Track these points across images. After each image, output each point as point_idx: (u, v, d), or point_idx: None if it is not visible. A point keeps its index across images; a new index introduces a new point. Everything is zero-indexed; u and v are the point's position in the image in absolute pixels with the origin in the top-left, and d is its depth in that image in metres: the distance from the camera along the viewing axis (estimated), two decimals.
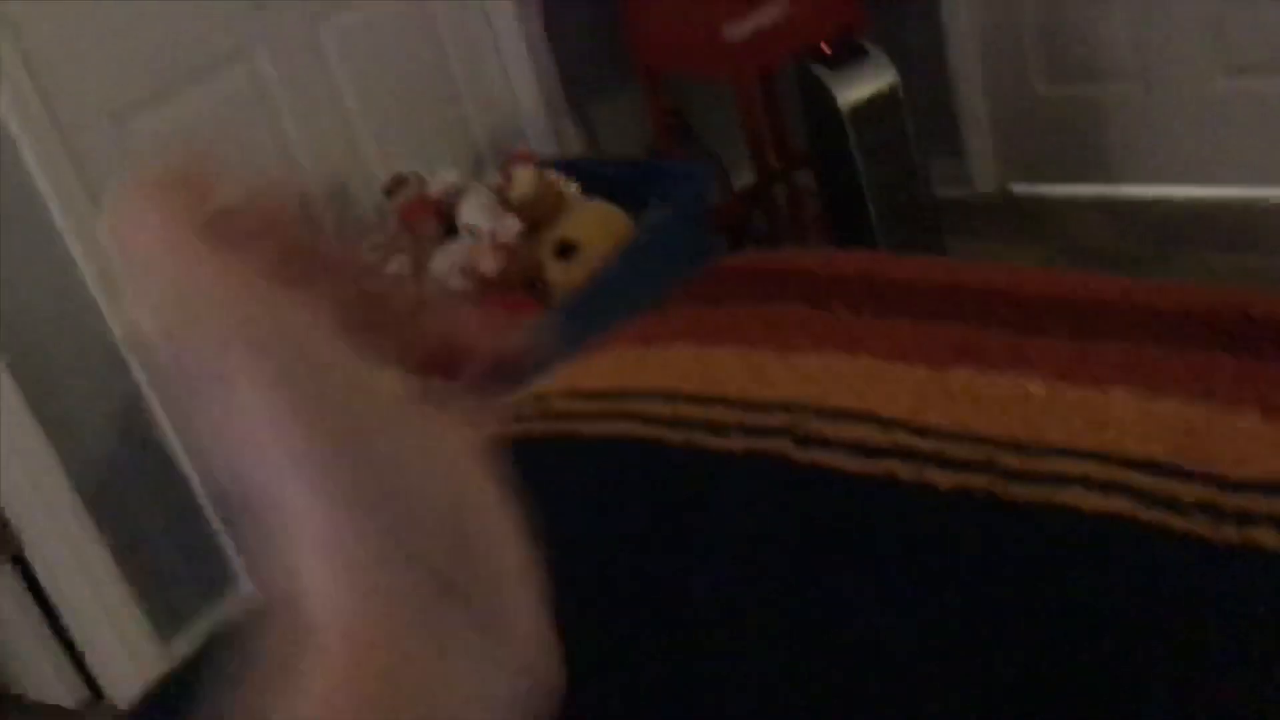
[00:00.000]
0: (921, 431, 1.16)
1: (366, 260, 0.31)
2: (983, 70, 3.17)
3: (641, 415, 1.32)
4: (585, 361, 1.50)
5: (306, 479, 0.27)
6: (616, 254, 2.56)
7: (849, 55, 2.74)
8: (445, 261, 2.55)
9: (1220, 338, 1.21)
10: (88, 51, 2.34)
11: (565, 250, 2.57)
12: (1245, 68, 2.85)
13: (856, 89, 2.71)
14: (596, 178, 2.75)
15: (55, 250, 2.28)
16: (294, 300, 0.28)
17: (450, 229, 2.63)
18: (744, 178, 3.12)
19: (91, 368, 2.35)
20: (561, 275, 2.55)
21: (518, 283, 2.52)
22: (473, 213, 2.60)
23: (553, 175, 2.69)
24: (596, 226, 2.61)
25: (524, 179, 2.64)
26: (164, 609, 2.46)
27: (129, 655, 2.40)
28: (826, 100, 2.73)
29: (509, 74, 3.03)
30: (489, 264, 2.49)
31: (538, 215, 2.61)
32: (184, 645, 2.42)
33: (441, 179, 2.71)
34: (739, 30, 2.76)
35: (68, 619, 2.42)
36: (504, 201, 2.63)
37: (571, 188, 2.71)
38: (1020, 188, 3.27)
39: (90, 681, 2.49)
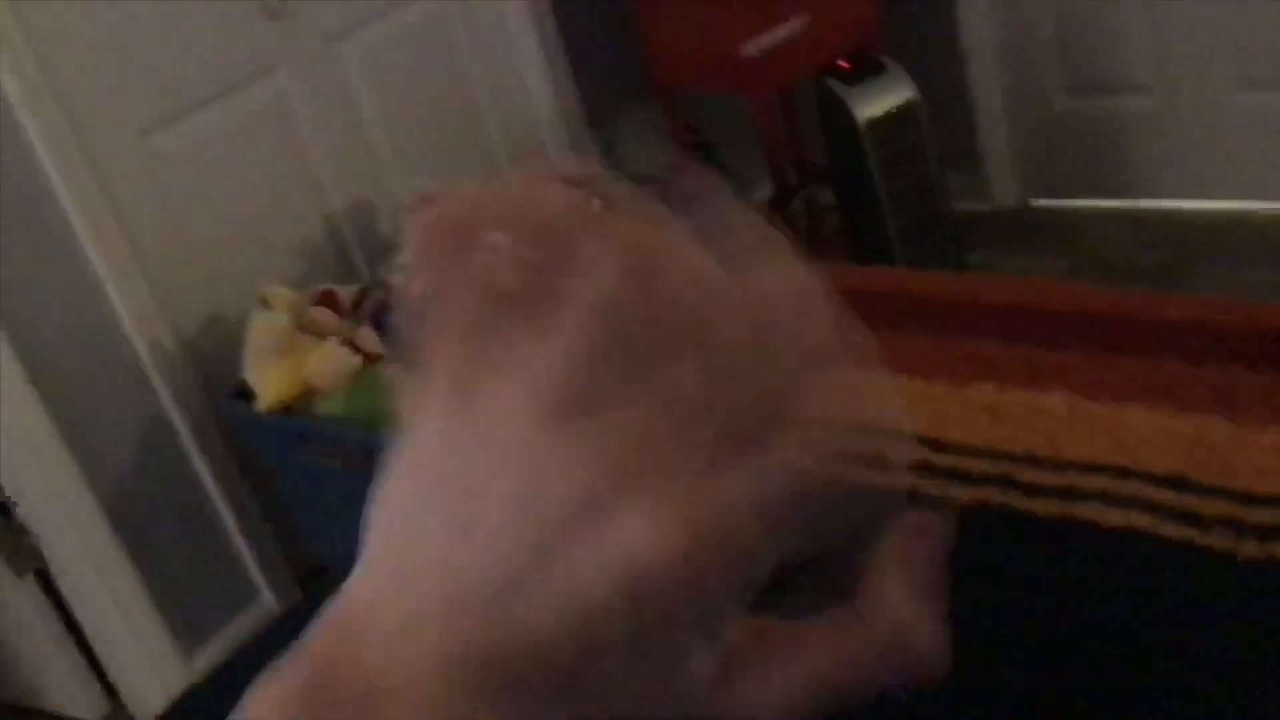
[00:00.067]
0: (940, 446, 1.16)
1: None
2: (1001, 84, 3.18)
3: None
4: None
5: None
6: None
7: (867, 71, 2.75)
8: None
9: (1240, 352, 1.20)
10: (113, 70, 2.36)
11: None
12: (1264, 81, 2.85)
13: (874, 104, 2.72)
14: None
15: (81, 267, 2.30)
16: None
17: None
18: (762, 193, 3.12)
19: (115, 383, 2.37)
20: None
21: None
22: None
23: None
24: None
25: None
26: (186, 623, 2.47)
27: (151, 669, 2.41)
28: (845, 116, 2.73)
29: (528, 91, 3.05)
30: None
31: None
32: (206, 659, 2.43)
33: None
34: (757, 47, 2.77)
35: (90, 632, 2.43)
36: None
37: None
38: (1039, 202, 3.27)
39: (112, 695, 2.51)
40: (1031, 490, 1.07)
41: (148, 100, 2.41)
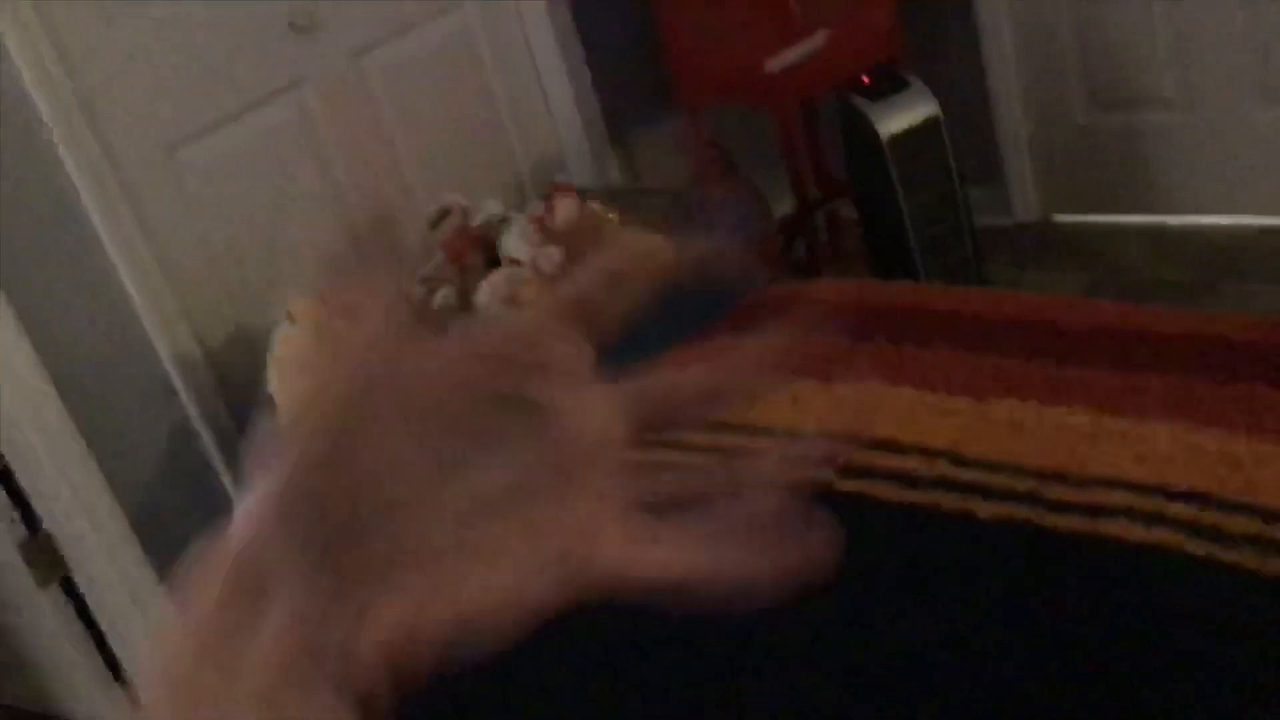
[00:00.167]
0: (964, 462, 1.16)
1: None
2: (1023, 99, 3.17)
3: (684, 446, 1.33)
4: None
5: None
6: (659, 284, 2.57)
7: (889, 86, 2.75)
8: (488, 292, 2.57)
9: (1264, 369, 1.20)
10: (141, 85, 2.38)
11: None
12: None
13: (897, 119, 2.72)
14: (638, 208, 2.77)
15: (107, 280, 2.32)
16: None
17: (493, 260, 2.66)
18: (784, 208, 3.13)
19: (141, 394, 2.39)
20: None
21: None
22: (514, 243, 2.62)
23: (594, 205, 2.72)
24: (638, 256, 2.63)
25: (566, 208, 2.66)
26: None
27: None
28: (867, 131, 2.74)
29: (551, 105, 3.07)
30: (531, 294, 2.51)
31: (579, 245, 2.63)
32: None
33: (485, 210, 2.74)
34: (780, 63, 2.78)
35: (114, 642, 2.44)
36: (546, 231, 2.65)
37: (613, 217, 2.73)
38: (1061, 217, 3.26)
39: (135, 704, 2.52)
40: (1055, 506, 1.07)
41: (175, 115, 2.44)
